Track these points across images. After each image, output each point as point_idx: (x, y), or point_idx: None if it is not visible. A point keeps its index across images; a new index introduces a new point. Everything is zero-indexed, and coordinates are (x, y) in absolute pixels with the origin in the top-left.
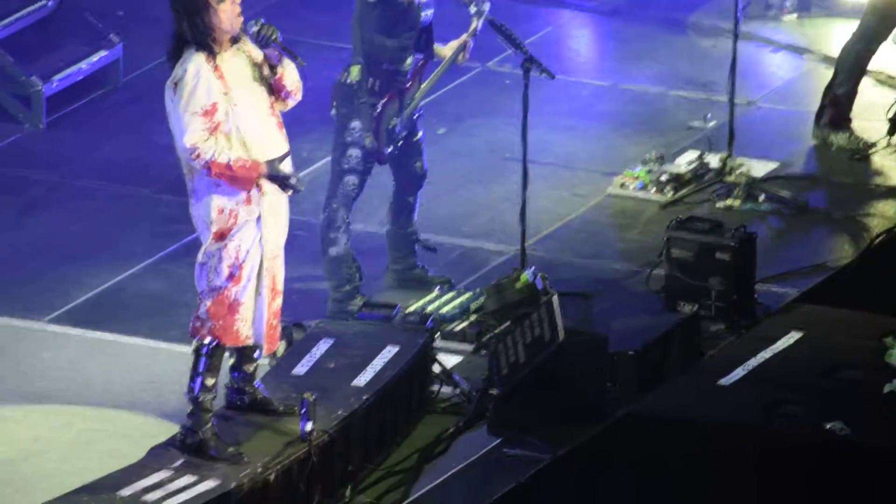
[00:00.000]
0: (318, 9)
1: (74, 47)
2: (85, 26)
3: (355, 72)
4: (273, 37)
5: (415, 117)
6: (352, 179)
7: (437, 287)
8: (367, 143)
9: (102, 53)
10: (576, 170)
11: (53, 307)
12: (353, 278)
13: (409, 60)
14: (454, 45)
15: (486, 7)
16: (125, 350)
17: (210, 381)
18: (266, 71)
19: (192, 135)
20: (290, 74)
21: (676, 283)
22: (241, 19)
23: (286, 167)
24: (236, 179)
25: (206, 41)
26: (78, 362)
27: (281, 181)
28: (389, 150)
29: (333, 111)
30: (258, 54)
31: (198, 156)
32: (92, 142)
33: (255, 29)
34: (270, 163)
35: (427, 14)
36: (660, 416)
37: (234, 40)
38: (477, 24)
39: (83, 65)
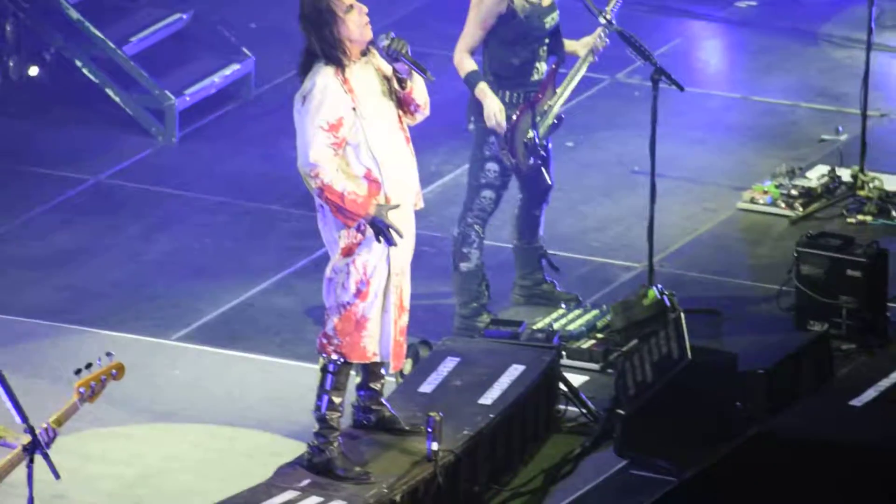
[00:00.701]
0: (447, 19)
1: (207, 61)
2: (218, 39)
3: None
4: (403, 51)
5: (555, 122)
6: (489, 194)
7: (564, 304)
8: (505, 160)
9: (235, 67)
10: (705, 184)
11: (183, 324)
12: (482, 295)
13: (542, 68)
14: (588, 41)
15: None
16: (254, 367)
17: (337, 399)
18: (395, 84)
19: (317, 151)
20: (419, 89)
21: (807, 300)
22: (370, 29)
23: (396, 216)
24: (342, 211)
25: (336, 54)
26: (207, 380)
27: (380, 230)
28: (531, 161)
29: (471, 126)
30: (387, 67)
31: (317, 174)
32: (223, 156)
33: (385, 43)
34: (380, 207)
35: (551, 19)
36: (790, 437)
37: (364, 53)
38: (610, 17)
39: (215, 78)
